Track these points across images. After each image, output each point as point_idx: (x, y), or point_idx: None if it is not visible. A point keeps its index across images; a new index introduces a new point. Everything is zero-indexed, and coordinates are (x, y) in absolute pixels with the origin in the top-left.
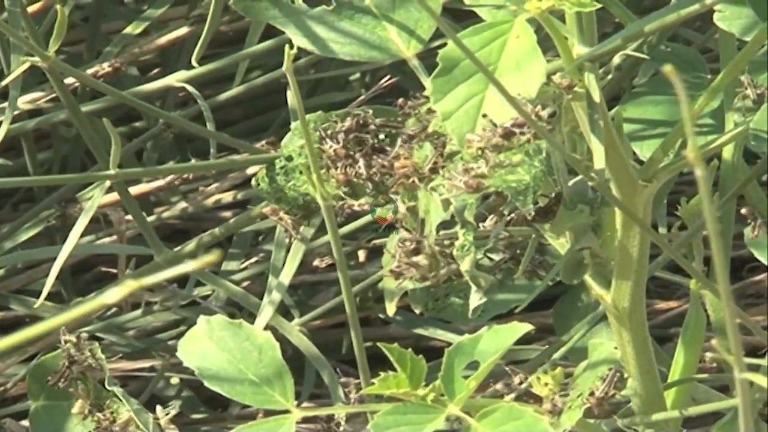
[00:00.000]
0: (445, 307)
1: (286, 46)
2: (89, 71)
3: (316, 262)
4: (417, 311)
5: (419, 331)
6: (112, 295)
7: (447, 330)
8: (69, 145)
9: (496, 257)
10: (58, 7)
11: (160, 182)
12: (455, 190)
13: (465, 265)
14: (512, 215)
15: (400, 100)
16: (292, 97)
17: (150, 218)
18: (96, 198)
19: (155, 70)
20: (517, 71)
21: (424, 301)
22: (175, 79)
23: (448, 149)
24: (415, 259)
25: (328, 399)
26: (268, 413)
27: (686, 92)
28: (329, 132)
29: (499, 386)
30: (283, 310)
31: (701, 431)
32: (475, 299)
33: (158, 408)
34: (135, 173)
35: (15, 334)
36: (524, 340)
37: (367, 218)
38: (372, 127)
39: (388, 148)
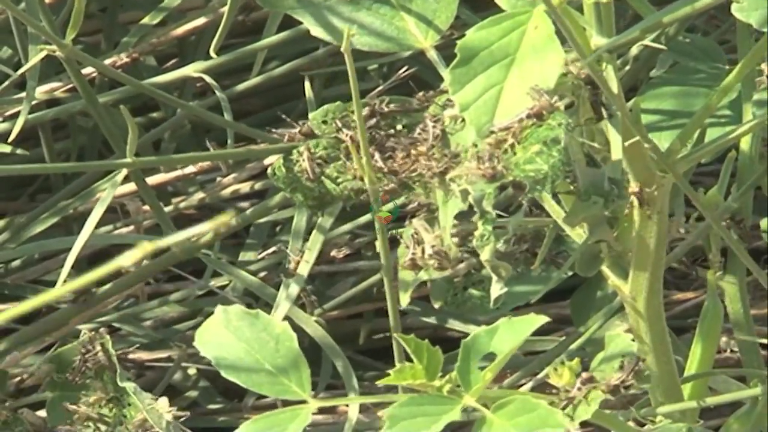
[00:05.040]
0: (464, 301)
1: (346, 27)
2: (107, 61)
3: (333, 253)
4: (436, 306)
5: (437, 321)
6: (128, 258)
7: (465, 321)
8: (86, 135)
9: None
10: None
11: (178, 172)
12: (474, 178)
13: (485, 255)
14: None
15: (420, 94)
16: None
17: (167, 208)
18: (112, 187)
19: (173, 61)
20: (535, 61)
21: (444, 295)
22: (193, 69)
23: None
24: (430, 250)
25: (345, 389)
26: (285, 404)
27: (704, 83)
28: (345, 122)
29: (516, 376)
30: (300, 301)
31: (718, 422)
32: (496, 289)
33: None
34: (152, 162)
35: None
36: (541, 331)
37: (386, 208)
38: (384, 114)
39: (404, 140)
